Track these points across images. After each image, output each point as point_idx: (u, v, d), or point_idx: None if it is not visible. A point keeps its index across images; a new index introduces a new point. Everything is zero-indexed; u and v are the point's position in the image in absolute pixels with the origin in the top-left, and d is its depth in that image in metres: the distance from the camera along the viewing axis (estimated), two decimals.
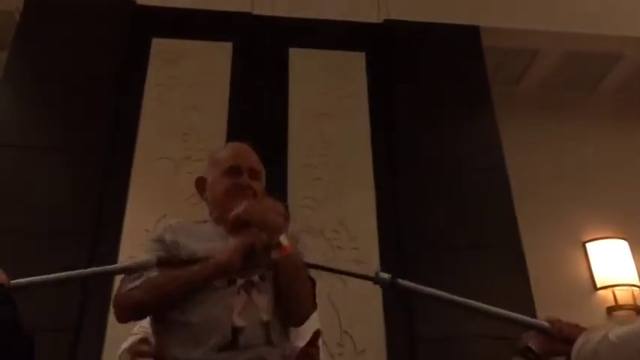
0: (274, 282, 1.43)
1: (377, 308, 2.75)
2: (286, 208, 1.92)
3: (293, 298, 1.45)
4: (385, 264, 2.85)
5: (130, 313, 1.41)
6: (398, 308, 2.76)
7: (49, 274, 2.57)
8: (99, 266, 2.61)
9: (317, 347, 1.75)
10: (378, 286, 2.78)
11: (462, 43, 3.59)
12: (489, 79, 3.52)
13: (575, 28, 3.77)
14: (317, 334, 1.73)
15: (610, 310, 3.64)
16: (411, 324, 2.72)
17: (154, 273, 1.40)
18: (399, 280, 1.54)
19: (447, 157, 3.21)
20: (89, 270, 1.52)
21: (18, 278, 2.56)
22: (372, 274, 2.68)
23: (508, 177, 3.18)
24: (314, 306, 1.56)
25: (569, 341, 1.36)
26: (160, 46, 3.35)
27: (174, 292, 1.37)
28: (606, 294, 3.68)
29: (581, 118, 4.20)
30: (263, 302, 1.40)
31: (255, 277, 1.42)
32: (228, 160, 1.59)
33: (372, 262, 2.85)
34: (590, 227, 3.83)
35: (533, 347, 1.50)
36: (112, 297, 1.43)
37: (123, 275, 1.45)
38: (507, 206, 3.08)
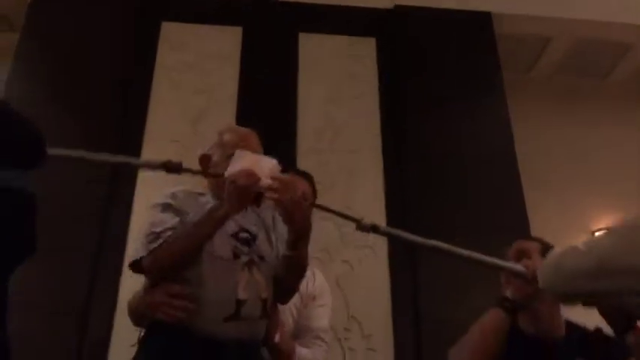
0: (279, 268, 1.59)
1: (384, 293, 2.76)
2: (312, 179, 2.00)
3: (287, 284, 1.62)
4: (392, 249, 2.86)
5: (159, 276, 1.51)
6: (405, 294, 2.77)
7: (60, 257, 2.62)
8: (109, 247, 2.68)
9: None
10: (386, 271, 2.82)
11: (473, 29, 3.57)
12: (501, 66, 3.50)
13: (587, 16, 3.74)
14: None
15: None
16: (418, 309, 2.73)
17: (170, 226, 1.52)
18: (380, 226, 1.67)
19: (456, 143, 3.20)
20: (101, 155, 1.67)
21: (28, 271, 2.60)
22: (381, 259, 2.71)
23: (517, 164, 3.17)
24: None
25: None
26: (169, 30, 3.35)
27: (193, 248, 1.48)
28: None
29: (593, 106, 4.18)
30: (262, 280, 1.55)
31: (255, 257, 1.56)
32: (234, 145, 1.64)
33: (379, 247, 2.86)
34: (599, 215, 3.82)
35: (509, 296, 1.55)
36: (130, 261, 1.54)
37: (145, 234, 1.54)
38: (516, 193, 3.08)
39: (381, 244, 2.88)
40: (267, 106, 3.14)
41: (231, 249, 1.53)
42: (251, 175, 1.45)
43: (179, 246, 1.48)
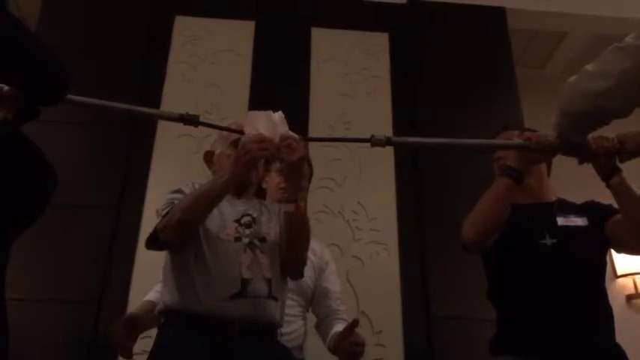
0: (283, 230, 1.64)
1: (394, 289, 2.75)
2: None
3: (294, 249, 1.63)
4: (404, 246, 2.85)
5: (174, 233, 1.53)
6: (415, 289, 2.76)
7: (74, 246, 2.65)
8: (122, 233, 2.70)
9: None
10: (396, 267, 2.81)
11: (487, 24, 3.53)
12: (514, 62, 3.47)
13: (603, 11, 3.68)
14: None
15: (630, 298, 3.61)
16: (428, 305, 2.72)
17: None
18: (393, 138, 1.69)
19: (469, 138, 3.17)
20: (120, 105, 1.75)
21: (43, 259, 2.62)
22: (391, 254, 2.71)
23: None
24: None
25: (547, 151, 1.65)
26: (182, 23, 3.36)
27: (204, 203, 1.53)
28: (626, 282, 3.65)
29: None
30: (265, 261, 1.59)
31: (256, 240, 1.61)
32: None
33: (391, 244, 2.85)
34: None
35: (511, 165, 1.73)
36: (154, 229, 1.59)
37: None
38: None
39: (391, 240, 2.87)
40: (279, 100, 3.13)
41: (233, 233, 1.60)
42: (263, 142, 1.52)
43: (186, 203, 1.53)
